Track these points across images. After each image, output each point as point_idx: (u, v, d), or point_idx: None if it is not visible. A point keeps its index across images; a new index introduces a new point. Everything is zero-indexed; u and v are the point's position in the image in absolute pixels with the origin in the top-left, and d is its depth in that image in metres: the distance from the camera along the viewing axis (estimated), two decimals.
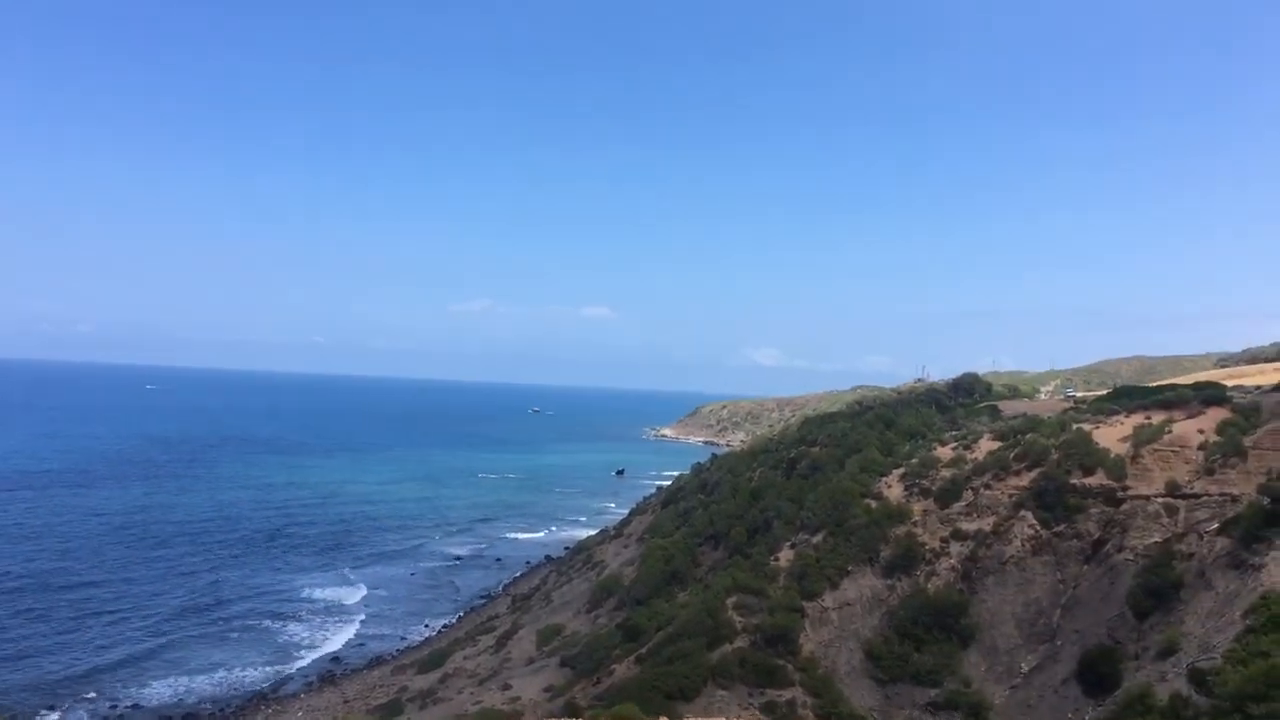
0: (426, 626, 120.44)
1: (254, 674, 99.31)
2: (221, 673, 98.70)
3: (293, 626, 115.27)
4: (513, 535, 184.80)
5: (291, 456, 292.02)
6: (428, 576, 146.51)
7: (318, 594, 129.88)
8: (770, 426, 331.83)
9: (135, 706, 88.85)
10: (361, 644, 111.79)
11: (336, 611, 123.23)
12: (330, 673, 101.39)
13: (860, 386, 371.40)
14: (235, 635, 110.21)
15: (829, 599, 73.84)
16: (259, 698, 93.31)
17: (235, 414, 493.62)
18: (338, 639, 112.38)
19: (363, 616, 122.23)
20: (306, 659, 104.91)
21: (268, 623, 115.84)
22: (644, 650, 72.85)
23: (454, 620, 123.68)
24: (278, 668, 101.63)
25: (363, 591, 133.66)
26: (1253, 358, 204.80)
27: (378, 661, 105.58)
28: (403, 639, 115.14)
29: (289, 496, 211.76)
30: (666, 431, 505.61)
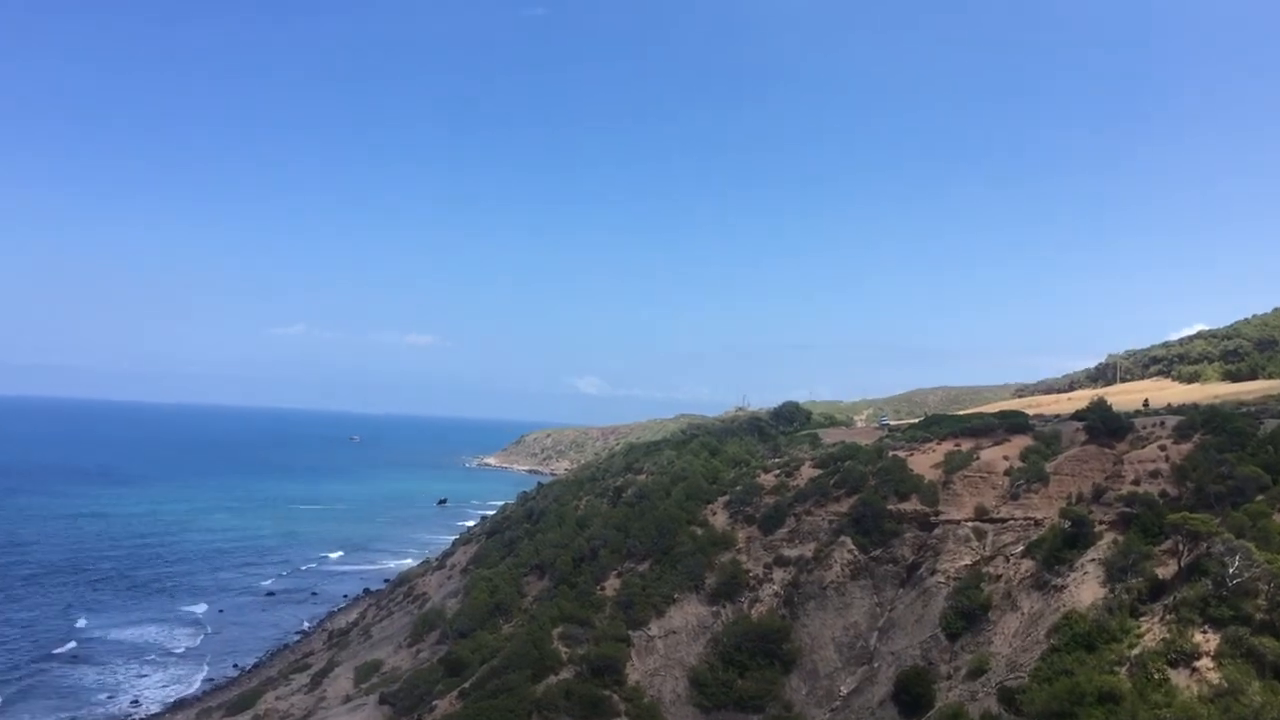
0: (235, 666, 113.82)
1: None
2: None
3: (86, 670, 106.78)
4: (330, 568, 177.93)
5: (91, 487, 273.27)
6: (235, 613, 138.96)
7: (115, 634, 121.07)
8: (596, 454, 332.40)
9: None
10: (163, 686, 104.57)
11: (136, 653, 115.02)
12: (129, 718, 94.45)
13: (684, 414, 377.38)
14: (19, 681, 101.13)
15: (655, 627, 73.64)
16: None
17: (34, 442, 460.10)
18: (137, 683, 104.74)
19: (165, 657, 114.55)
20: (101, 706, 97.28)
21: (57, 667, 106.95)
22: (468, 684, 70.86)
23: (265, 658, 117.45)
24: (69, 715, 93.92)
25: (166, 630, 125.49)
26: (1048, 388, 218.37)
27: (180, 705, 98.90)
28: (208, 680, 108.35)
29: (86, 529, 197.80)
30: (491, 460, 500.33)
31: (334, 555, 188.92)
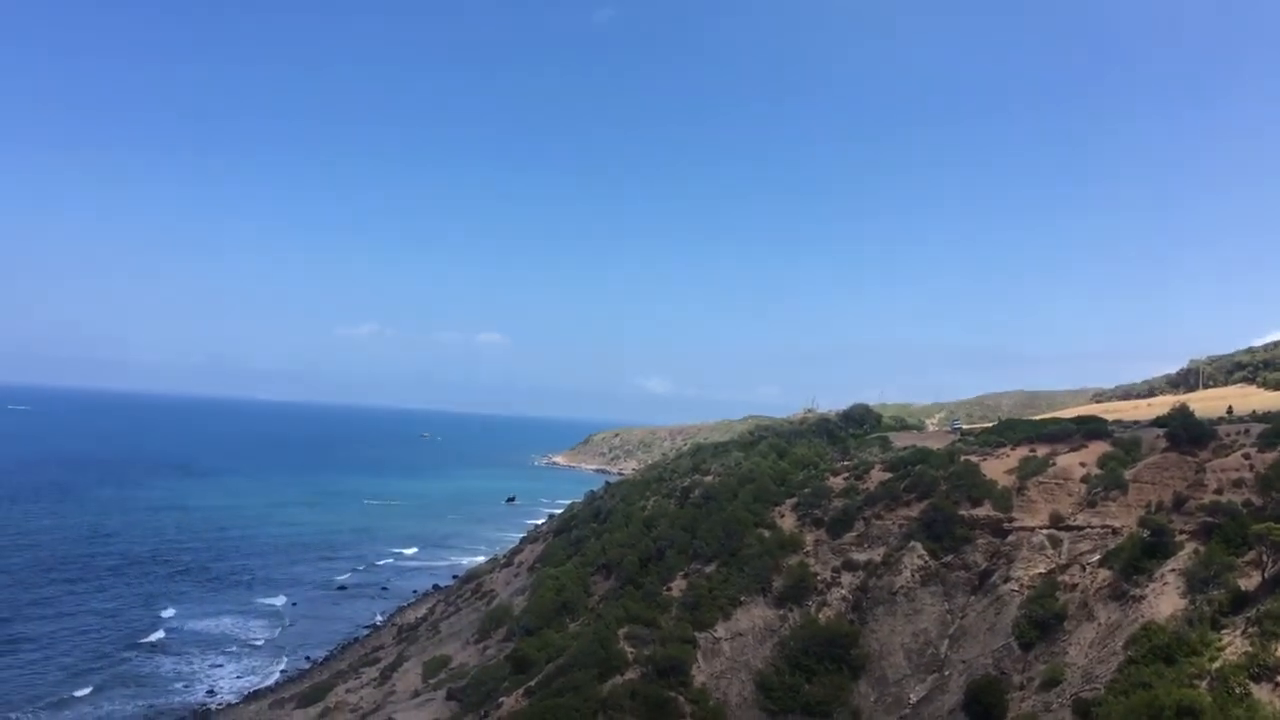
0: (307, 659, 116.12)
1: (125, 709, 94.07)
2: (86, 708, 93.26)
3: (163, 660, 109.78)
4: (400, 563, 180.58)
5: (170, 480, 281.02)
6: (309, 606, 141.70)
7: (192, 625, 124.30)
8: (663, 454, 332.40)
9: None
10: (238, 677, 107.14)
11: (212, 643, 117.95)
12: (205, 708, 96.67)
13: (752, 416, 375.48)
14: (101, 669, 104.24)
15: (721, 629, 73.40)
16: None
17: (114, 436, 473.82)
18: (213, 673, 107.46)
19: (240, 648, 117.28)
20: (179, 695, 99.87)
21: (136, 656, 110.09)
22: (534, 682, 71.32)
23: (336, 651, 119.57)
24: (149, 702, 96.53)
25: (241, 621, 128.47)
26: (1126, 393, 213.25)
27: (254, 696, 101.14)
28: (282, 672, 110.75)
29: (164, 521, 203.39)
30: (559, 459, 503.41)
31: (405, 551, 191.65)
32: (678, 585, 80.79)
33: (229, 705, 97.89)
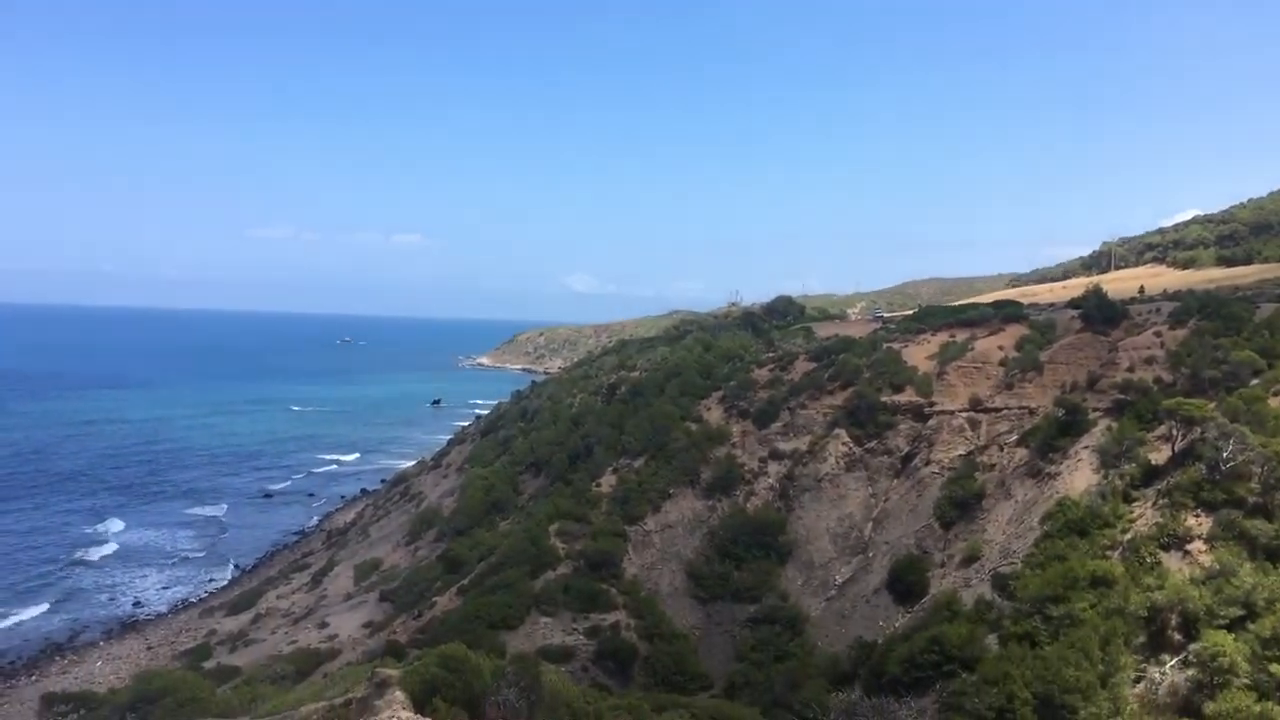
0: (236, 567, 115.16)
1: (48, 623, 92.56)
2: (9, 622, 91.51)
3: (87, 572, 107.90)
4: (326, 469, 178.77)
5: (83, 392, 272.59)
6: (237, 514, 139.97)
7: (115, 536, 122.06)
8: (589, 352, 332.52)
9: None
10: (165, 587, 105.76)
11: (137, 554, 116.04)
12: (132, 619, 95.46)
13: (676, 311, 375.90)
14: (24, 583, 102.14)
15: (651, 522, 74.24)
16: (54, 648, 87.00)
17: (17, 349, 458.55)
18: (139, 583, 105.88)
19: (166, 559, 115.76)
20: (105, 606, 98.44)
21: (61, 570, 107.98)
22: (466, 581, 71.64)
23: (265, 559, 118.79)
24: (74, 616, 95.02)
25: (165, 533, 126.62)
26: (1042, 277, 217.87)
27: (184, 605, 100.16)
28: (210, 580, 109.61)
29: (83, 433, 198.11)
30: (483, 360, 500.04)
31: (330, 457, 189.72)
32: (607, 481, 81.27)
33: (158, 616, 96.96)
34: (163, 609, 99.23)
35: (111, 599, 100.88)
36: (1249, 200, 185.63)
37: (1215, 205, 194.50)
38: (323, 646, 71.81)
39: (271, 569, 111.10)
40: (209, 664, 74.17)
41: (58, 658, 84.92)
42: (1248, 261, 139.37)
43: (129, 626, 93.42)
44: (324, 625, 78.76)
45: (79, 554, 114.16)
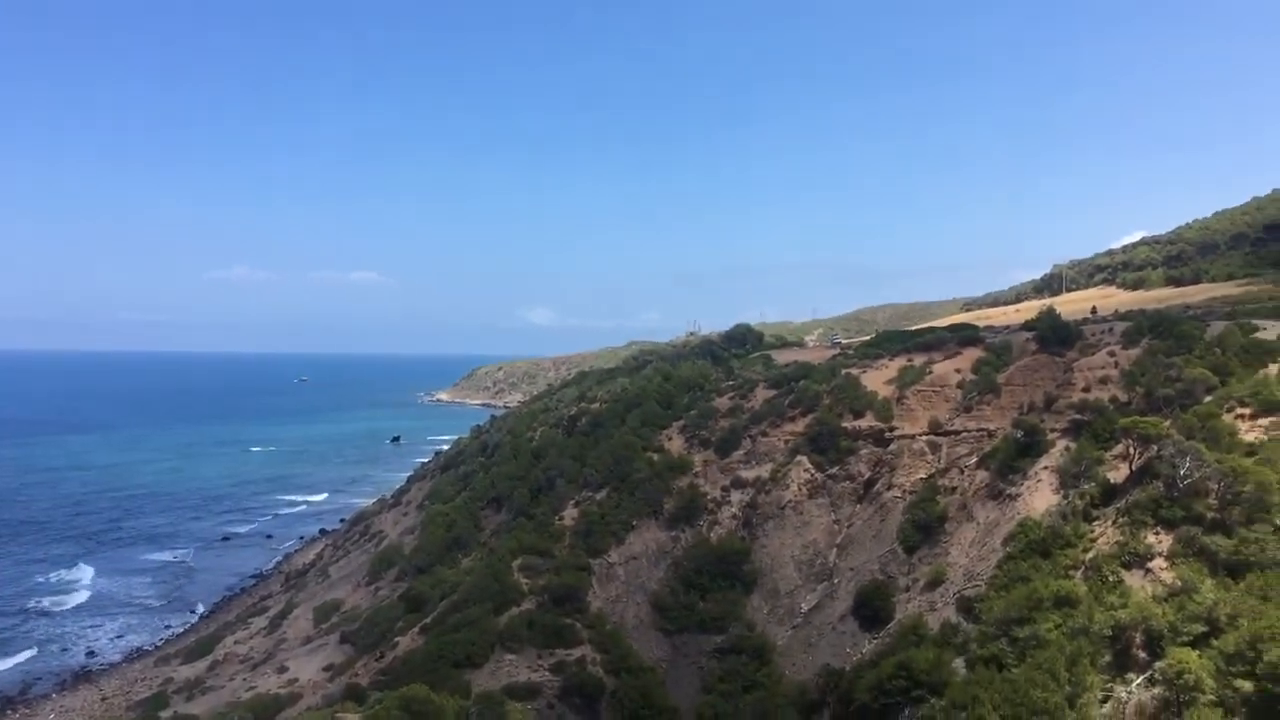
0: (192, 613, 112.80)
1: None
2: None
3: (39, 622, 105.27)
4: (285, 510, 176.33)
5: (33, 438, 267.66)
6: (195, 559, 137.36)
7: (69, 585, 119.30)
8: (548, 385, 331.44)
9: None
10: (120, 636, 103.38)
11: (91, 603, 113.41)
12: (85, 669, 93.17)
13: (635, 342, 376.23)
14: None
15: (615, 554, 73.60)
16: (4, 700, 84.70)
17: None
18: (93, 633, 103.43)
19: (120, 607, 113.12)
20: (58, 656, 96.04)
21: (11, 620, 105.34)
22: (429, 620, 70.45)
23: (222, 603, 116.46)
24: (25, 667, 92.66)
25: (120, 580, 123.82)
26: (994, 300, 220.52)
27: (139, 654, 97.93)
28: (166, 627, 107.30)
29: (34, 480, 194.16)
30: (442, 395, 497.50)
31: (288, 498, 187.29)
32: (570, 514, 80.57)
33: (112, 665, 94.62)
34: (117, 658, 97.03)
35: (64, 649, 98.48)
36: (1194, 221, 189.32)
37: (1162, 227, 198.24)
38: (282, 692, 70.20)
39: (229, 613, 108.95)
40: (165, 714, 72.48)
41: (9, 711, 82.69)
42: (1195, 281, 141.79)
43: (82, 677, 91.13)
44: (283, 669, 77.09)
45: (33, 603, 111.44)
